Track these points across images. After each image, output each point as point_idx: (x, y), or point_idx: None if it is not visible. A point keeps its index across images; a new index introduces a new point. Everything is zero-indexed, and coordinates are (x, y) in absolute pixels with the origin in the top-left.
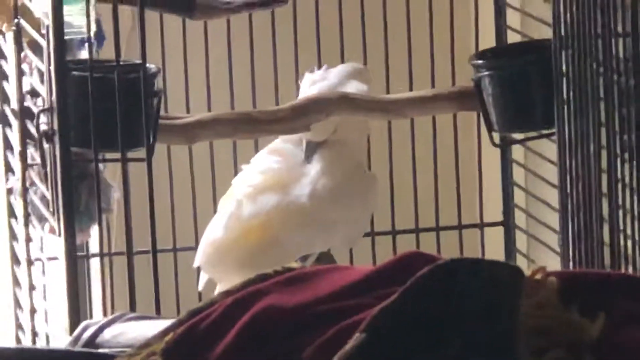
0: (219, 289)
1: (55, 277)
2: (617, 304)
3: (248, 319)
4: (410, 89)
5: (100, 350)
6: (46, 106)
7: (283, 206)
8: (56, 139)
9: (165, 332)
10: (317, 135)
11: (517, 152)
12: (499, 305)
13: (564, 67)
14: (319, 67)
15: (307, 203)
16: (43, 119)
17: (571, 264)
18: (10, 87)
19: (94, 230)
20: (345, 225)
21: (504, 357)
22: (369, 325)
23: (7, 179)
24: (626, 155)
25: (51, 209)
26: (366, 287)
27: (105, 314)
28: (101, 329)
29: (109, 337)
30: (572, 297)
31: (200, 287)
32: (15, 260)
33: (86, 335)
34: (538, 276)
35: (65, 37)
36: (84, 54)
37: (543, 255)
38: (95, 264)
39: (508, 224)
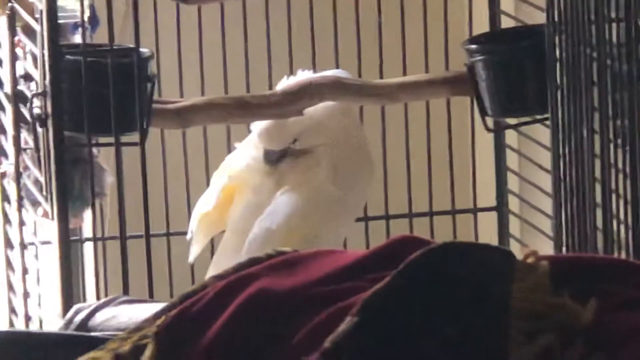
0: (211, 268)
1: (49, 261)
2: (609, 289)
3: (240, 302)
4: (404, 74)
5: (92, 334)
6: (40, 90)
7: (316, 201)
8: (49, 123)
9: (157, 316)
10: (274, 144)
11: (510, 137)
12: (490, 289)
13: (557, 53)
14: (313, 53)
15: (336, 191)
16: (36, 103)
17: (564, 248)
18: (4, 72)
19: (88, 214)
20: (359, 203)
21: (495, 341)
22: (361, 309)
23: (0, 163)
24: (619, 141)
25: (44, 193)
26: (359, 270)
27: (98, 298)
28: (93, 313)
29: (101, 320)
30: (564, 282)
31: (191, 259)
32: (8, 244)
33: (78, 318)
34: (530, 260)
35: (59, 22)
36: (77, 39)
37: (536, 240)
38: (88, 248)
39: (501, 209)
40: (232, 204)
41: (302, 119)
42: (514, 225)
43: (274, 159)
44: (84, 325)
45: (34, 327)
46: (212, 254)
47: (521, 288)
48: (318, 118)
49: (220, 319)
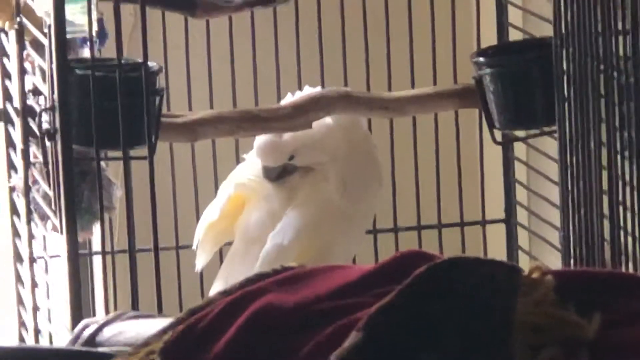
0: (219, 276)
1: (58, 275)
2: (613, 302)
3: (246, 317)
4: (412, 87)
5: (100, 349)
6: (48, 105)
7: (327, 214)
8: (58, 137)
9: (164, 331)
10: (271, 160)
11: (518, 149)
12: (494, 304)
13: (564, 65)
14: (321, 65)
15: (345, 204)
16: (45, 117)
17: (572, 260)
18: (13, 86)
19: (96, 228)
20: (369, 215)
21: (500, 355)
22: (366, 324)
23: (9, 177)
24: (626, 152)
25: (53, 207)
26: (364, 285)
27: (107, 312)
28: (101, 328)
29: (109, 335)
30: (569, 295)
31: (197, 269)
32: (18, 258)
33: (86, 333)
34: (535, 274)
35: (67, 36)
36: (86, 53)
37: (544, 252)
38: (97, 261)
39: (510, 221)
40: (240, 214)
41: (299, 136)
42: (523, 237)
43: (273, 175)
44: (91, 340)
45: (44, 341)
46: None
47: (526, 302)
48: (316, 135)
49: (226, 335)
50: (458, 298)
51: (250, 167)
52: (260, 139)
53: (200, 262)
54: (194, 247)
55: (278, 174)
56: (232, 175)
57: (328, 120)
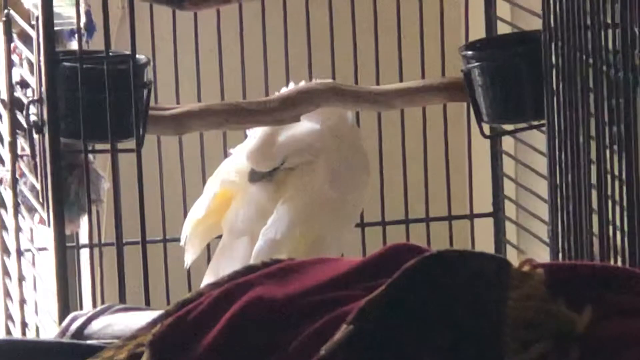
0: (209, 271)
1: (45, 268)
2: (604, 296)
3: (236, 310)
4: (400, 80)
5: (88, 342)
6: (36, 97)
7: (317, 206)
8: (46, 129)
9: (152, 324)
10: (262, 166)
11: (507, 143)
12: (485, 297)
13: (553, 59)
14: (309, 58)
15: (335, 194)
16: (33, 109)
17: (560, 255)
18: (0, 78)
19: (84, 220)
20: (358, 204)
21: (490, 349)
22: (356, 317)
23: None
24: (615, 147)
25: (41, 200)
26: (354, 278)
27: (94, 305)
28: (89, 321)
29: (97, 328)
30: (560, 289)
31: (186, 265)
32: (5, 250)
33: (74, 326)
34: (525, 268)
35: (55, 28)
36: (74, 45)
37: (533, 246)
38: (85, 254)
39: (498, 215)
40: (227, 209)
41: (290, 141)
42: (511, 231)
43: (260, 178)
44: (79, 333)
45: (31, 334)
46: (209, 260)
47: (516, 296)
48: (306, 139)
49: (215, 327)
50: (448, 291)
51: (236, 162)
52: (252, 146)
53: (189, 258)
54: (181, 243)
55: (262, 175)
56: (218, 171)
57: (316, 124)
